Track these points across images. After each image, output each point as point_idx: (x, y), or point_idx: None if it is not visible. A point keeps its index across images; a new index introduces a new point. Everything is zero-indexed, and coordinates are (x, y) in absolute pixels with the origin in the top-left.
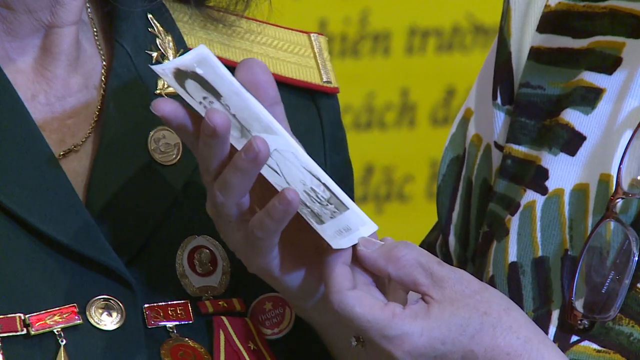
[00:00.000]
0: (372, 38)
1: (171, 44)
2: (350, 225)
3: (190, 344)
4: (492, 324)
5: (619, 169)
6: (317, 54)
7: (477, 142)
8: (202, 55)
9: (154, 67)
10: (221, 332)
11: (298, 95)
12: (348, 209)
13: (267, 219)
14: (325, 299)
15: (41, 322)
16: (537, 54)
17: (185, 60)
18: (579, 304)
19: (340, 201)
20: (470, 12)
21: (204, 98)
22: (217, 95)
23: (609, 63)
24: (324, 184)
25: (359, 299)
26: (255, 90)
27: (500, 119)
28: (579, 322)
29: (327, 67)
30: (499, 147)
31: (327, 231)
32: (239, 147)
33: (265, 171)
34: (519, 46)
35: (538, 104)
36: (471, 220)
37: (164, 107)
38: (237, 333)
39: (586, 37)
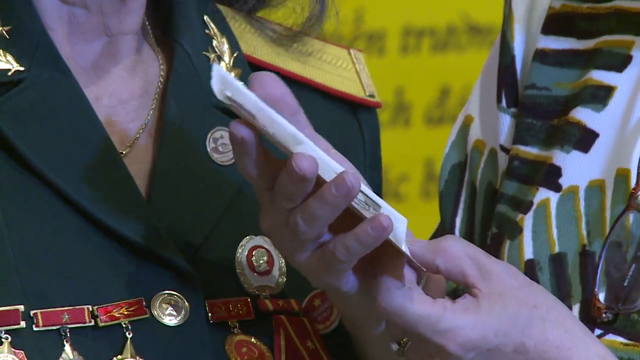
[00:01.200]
0: (367, 37)
1: (226, 46)
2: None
3: (253, 341)
4: (541, 317)
5: None
6: (358, 69)
7: (481, 147)
8: (222, 76)
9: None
10: (282, 331)
11: (340, 108)
12: (381, 207)
13: (355, 243)
14: (375, 300)
15: (109, 314)
16: (542, 56)
17: (214, 85)
18: (601, 297)
19: (374, 201)
20: (465, 12)
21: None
22: (251, 115)
23: (619, 61)
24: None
25: (409, 296)
26: (274, 104)
27: (505, 122)
28: (603, 314)
29: (369, 81)
30: (505, 150)
31: None
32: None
33: None
34: (522, 49)
35: (544, 105)
36: (476, 224)
37: (242, 131)
38: (296, 332)
39: (592, 38)
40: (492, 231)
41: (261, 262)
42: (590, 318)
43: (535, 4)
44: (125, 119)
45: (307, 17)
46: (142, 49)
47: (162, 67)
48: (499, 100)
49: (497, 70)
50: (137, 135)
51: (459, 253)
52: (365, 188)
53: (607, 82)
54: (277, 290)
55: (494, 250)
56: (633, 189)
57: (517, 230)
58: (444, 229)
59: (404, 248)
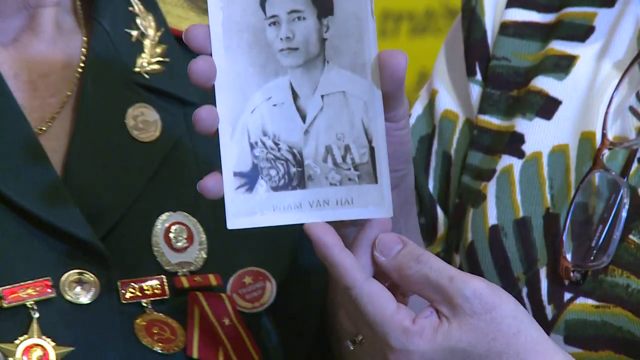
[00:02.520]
0: None
1: (152, 22)
2: (357, 200)
3: (165, 319)
4: (498, 352)
5: (605, 120)
6: None
7: (452, 117)
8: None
9: None
10: (196, 307)
11: None
12: (377, 183)
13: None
14: (341, 288)
15: (14, 295)
16: (504, 28)
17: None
18: (568, 257)
19: (375, 172)
20: None
21: None
22: None
23: (582, 32)
24: (372, 148)
25: (372, 295)
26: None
27: (475, 93)
28: (572, 273)
29: None
30: None
31: (299, 198)
32: None
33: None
34: (493, 24)
35: (503, 75)
36: (451, 192)
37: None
38: (212, 308)
39: (553, 12)
40: (454, 201)
41: (180, 238)
42: (558, 280)
43: None
44: (46, 93)
45: None
46: (64, 23)
47: (85, 42)
48: (471, 73)
49: (462, 45)
50: (58, 110)
51: (421, 279)
52: (382, 157)
53: (570, 52)
54: (197, 266)
55: (458, 220)
56: (598, 148)
57: (481, 197)
58: (420, 196)
59: (375, 253)
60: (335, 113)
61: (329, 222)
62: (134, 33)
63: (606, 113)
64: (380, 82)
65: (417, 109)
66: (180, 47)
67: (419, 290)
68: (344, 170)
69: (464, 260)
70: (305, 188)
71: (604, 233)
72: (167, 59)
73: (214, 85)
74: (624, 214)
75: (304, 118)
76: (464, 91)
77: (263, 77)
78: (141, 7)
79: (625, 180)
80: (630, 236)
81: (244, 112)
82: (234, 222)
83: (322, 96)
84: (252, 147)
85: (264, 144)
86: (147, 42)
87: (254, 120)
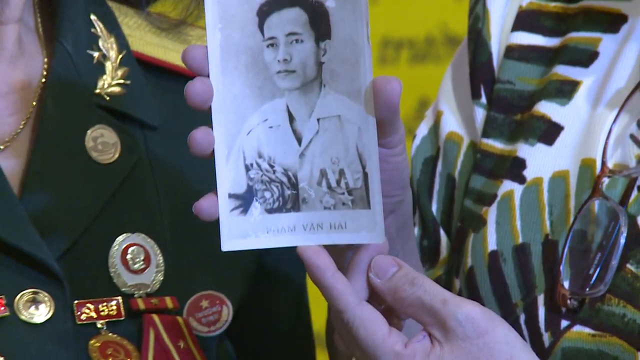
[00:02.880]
0: None
1: (114, 45)
2: (350, 225)
3: (120, 341)
4: None
5: (605, 148)
6: None
7: (457, 139)
8: None
9: None
10: (151, 330)
11: None
12: (369, 209)
13: None
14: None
15: None
16: (509, 51)
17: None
18: (566, 285)
19: (368, 198)
20: (444, 23)
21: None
22: None
23: (585, 57)
24: (365, 174)
25: (364, 319)
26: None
27: (480, 116)
28: (568, 301)
29: None
30: None
31: (293, 220)
32: None
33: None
34: (499, 47)
35: (507, 98)
36: (454, 215)
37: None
38: (167, 331)
39: (558, 36)
40: (457, 225)
41: (137, 260)
42: (555, 308)
43: (511, 4)
44: (4, 112)
45: (186, 4)
46: (26, 42)
47: (45, 62)
48: (476, 96)
49: (468, 67)
50: (18, 130)
51: (415, 302)
52: (375, 182)
53: (573, 77)
54: (154, 288)
55: (459, 244)
56: (597, 176)
57: (481, 222)
58: (423, 218)
59: (371, 274)
60: (330, 137)
61: (323, 245)
62: (96, 55)
63: (606, 141)
64: (375, 108)
65: (423, 130)
66: (141, 70)
67: (413, 313)
68: (338, 195)
69: (463, 285)
70: (300, 211)
71: (602, 261)
72: (128, 82)
73: (210, 107)
74: (621, 242)
75: (299, 141)
76: (469, 114)
77: (260, 99)
78: (103, 29)
79: (623, 208)
80: (628, 265)
81: (240, 133)
82: (228, 244)
83: (318, 120)
84: (247, 169)
85: (259, 166)
86: (108, 64)
87: (249, 142)
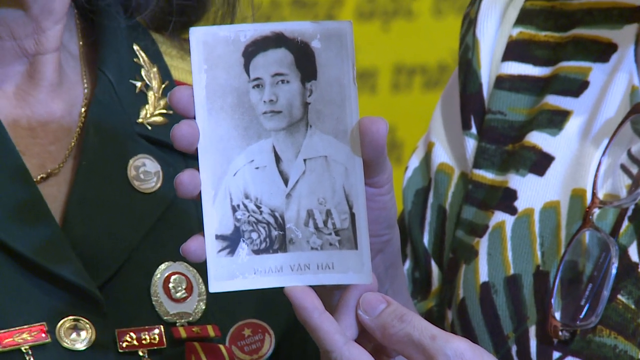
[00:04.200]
0: (359, 75)
1: (157, 75)
2: (338, 266)
3: None
4: None
5: (595, 178)
6: None
7: (447, 169)
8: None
9: None
10: (193, 358)
11: None
12: (357, 249)
13: None
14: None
15: (9, 340)
16: (499, 82)
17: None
18: (557, 316)
19: (355, 238)
20: (455, 49)
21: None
22: None
23: (576, 86)
24: (352, 214)
25: (352, 359)
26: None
27: (470, 146)
28: (560, 332)
29: None
30: None
31: (280, 261)
32: None
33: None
34: (489, 77)
35: (499, 129)
36: (445, 246)
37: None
38: (209, 359)
39: (549, 66)
40: (448, 256)
41: (179, 288)
42: (547, 339)
43: (500, 33)
44: (45, 140)
45: None
46: (66, 70)
47: (86, 91)
48: (467, 127)
49: (459, 97)
50: (61, 159)
51: (404, 339)
52: (362, 222)
53: (564, 107)
54: (196, 317)
55: (451, 275)
56: (588, 207)
57: (473, 254)
58: (415, 250)
59: (359, 312)
60: (317, 177)
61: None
62: (138, 84)
63: (596, 172)
64: (361, 148)
65: (414, 161)
66: None
67: (402, 349)
68: (325, 235)
69: (455, 316)
70: (287, 252)
71: (593, 292)
72: (170, 112)
73: (196, 149)
74: (612, 273)
75: (286, 182)
76: (460, 145)
77: (246, 140)
78: (146, 58)
79: (614, 239)
80: (619, 296)
81: (226, 174)
82: (215, 285)
83: (305, 160)
84: (234, 210)
85: (245, 207)
86: (151, 94)
87: (236, 183)
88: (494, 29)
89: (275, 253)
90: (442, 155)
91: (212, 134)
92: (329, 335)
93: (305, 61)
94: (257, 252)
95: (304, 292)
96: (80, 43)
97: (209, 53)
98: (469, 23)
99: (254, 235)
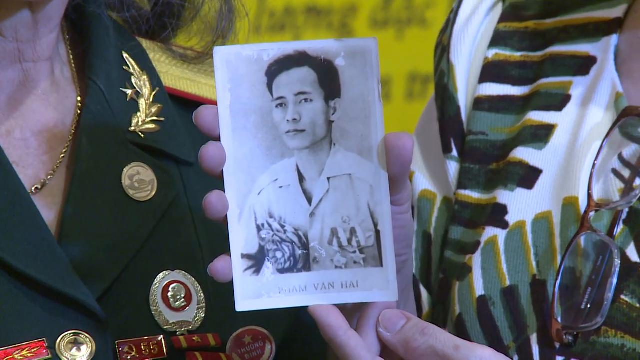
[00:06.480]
0: None
1: (147, 82)
2: (362, 284)
3: None
4: None
5: (590, 181)
6: None
7: (430, 196)
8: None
9: None
10: None
11: None
12: (382, 266)
13: None
14: None
15: (9, 357)
16: (478, 103)
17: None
18: (559, 320)
19: (380, 255)
20: None
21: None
22: None
23: (558, 101)
24: (378, 231)
25: None
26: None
27: (452, 169)
28: (563, 336)
29: None
30: None
31: (304, 280)
32: None
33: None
34: (467, 99)
35: (481, 149)
36: (432, 271)
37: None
38: None
39: (527, 85)
40: (439, 277)
41: (178, 297)
42: (549, 344)
43: (474, 57)
44: (39, 151)
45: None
46: (58, 79)
47: (79, 100)
48: (447, 150)
49: (437, 123)
50: (54, 168)
51: (427, 351)
52: (388, 240)
53: (547, 121)
54: (195, 325)
55: (442, 296)
56: (585, 211)
57: (466, 270)
58: None
59: (380, 329)
60: (341, 196)
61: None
62: (129, 92)
63: (591, 175)
64: (387, 165)
65: None
66: (175, 106)
67: None
68: (349, 253)
69: (453, 333)
70: (311, 270)
71: (593, 295)
72: (162, 118)
73: (222, 170)
74: (615, 274)
75: (309, 200)
76: (441, 169)
77: (269, 159)
78: (135, 66)
79: (613, 240)
80: (622, 296)
81: (251, 193)
82: (242, 304)
83: (329, 179)
84: (258, 229)
85: (270, 226)
86: (142, 102)
87: (260, 202)
88: (468, 53)
89: (300, 272)
90: (423, 183)
91: (236, 153)
92: (356, 351)
93: (328, 79)
94: (281, 271)
95: (329, 310)
96: (70, 52)
97: (232, 72)
98: (442, 50)
99: (279, 254)
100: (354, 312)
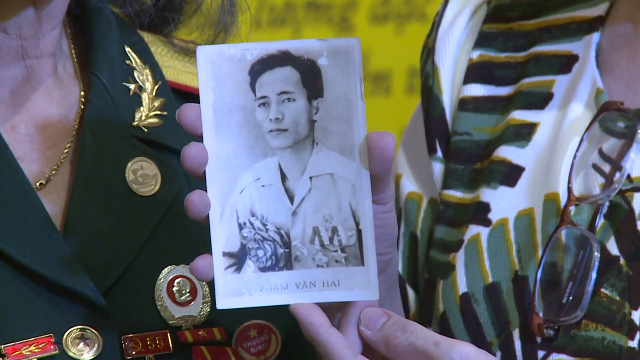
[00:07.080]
0: (373, 78)
1: (149, 76)
2: (344, 282)
3: None
4: None
5: (570, 175)
6: None
7: (417, 198)
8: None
9: None
10: None
11: None
12: (363, 265)
13: None
14: None
15: (17, 353)
16: (463, 104)
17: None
18: (540, 314)
19: (362, 254)
20: None
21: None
22: None
23: (541, 99)
24: (359, 230)
25: None
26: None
27: (437, 169)
28: (545, 330)
29: None
30: None
31: (286, 279)
32: None
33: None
34: (451, 101)
35: (466, 149)
36: (419, 270)
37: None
38: None
39: (511, 85)
40: (424, 277)
41: (183, 292)
42: (531, 339)
43: (459, 59)
44: (43, 146)
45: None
46: (61, 74)
47: (82, 95)
48: (432, 151)
49: (423, 125)
50: (58, 164)
51: (408, 348)
52: (369, 239)
53: (530, 120)
54: (201, 319)
55: (428, 295)
56: (565, 205)
57: (450, 268)
58: None
59: (361, 327)
60: (323, 195)
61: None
62: (132, 87)
63: (571, 169)
64: (369, 164)
65: None
66: (177, 100)
67: (407, 359)
68: (331, 252)
69: (437, 330)
70: (292, 269)
71: (574, 289)
72: (165, 112)
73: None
74: (595, 268)
75: (292, 199)
76: (426, 170)
77: (252, 158)
78: (138, 60)
79: (593, 234)
80: (602, 290)
81: (233, 192)
82: (223, 302)
83: (311, 178)
84: (240, 227)
85: (252, 224)
86: (144, 96)
87: (242, 200)
88: (453, 54)
89: (281, 270)
90: (409, 185)
91: (219, 151)
92: (338, 349)
93: (311, 79)
94: (263, 269)
95: (310, 308)
96: (72, 47)
97: (215, 71)
98: (427, 53)
99: (260, 252)
100: (335, 311)
